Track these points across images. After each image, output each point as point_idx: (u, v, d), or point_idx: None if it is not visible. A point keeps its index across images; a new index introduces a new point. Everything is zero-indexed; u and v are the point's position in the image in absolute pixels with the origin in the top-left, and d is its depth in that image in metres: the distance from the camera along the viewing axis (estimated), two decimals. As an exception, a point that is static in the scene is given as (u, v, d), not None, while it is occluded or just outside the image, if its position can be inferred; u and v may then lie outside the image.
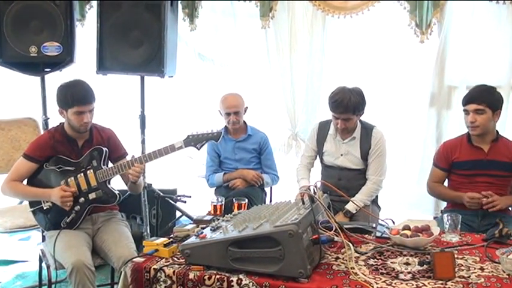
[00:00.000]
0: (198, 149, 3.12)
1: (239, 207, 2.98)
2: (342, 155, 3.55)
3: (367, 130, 3.53)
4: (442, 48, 4.05)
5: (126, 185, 3.30)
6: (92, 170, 3.11)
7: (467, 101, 3.19)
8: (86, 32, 4.63)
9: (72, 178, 3.09)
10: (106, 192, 3.12)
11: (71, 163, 3.12)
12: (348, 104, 3.32)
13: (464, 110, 3.21)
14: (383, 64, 4.41)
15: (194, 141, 3.09)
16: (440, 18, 3.97)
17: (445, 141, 3.52)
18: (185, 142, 3.09)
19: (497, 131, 3.29)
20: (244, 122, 4.17)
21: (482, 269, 2.21)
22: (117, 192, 3.16)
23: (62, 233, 3.01)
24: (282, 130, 4.69)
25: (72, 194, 3.04)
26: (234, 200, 3.06)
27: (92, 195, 3.10)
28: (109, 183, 3.16)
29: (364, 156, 3.51)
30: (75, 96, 3.03)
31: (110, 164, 3.23)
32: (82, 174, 3.10)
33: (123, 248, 2.96)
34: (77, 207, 3.07)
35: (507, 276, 2.12)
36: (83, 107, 3.04)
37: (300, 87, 4.54)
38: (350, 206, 3.39)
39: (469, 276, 2.13)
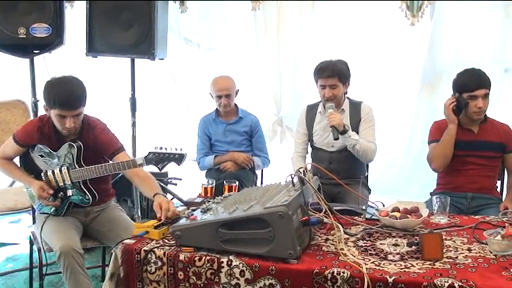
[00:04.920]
0: (160, 170, 2.85)
1: (230, 189, 2.98)
2: None
3: (355, 105, 3.57)
4: (434, 31, 4.04)
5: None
6: (65, 168, 2.92)
7: (476, 86, 3.08)
8: (76, 13, 4.59)
9: (51, 172, 2.95)
10: (79, 193, 2.96)
11: (52, 155, 2.97)
12: (333, 68, 3.41)
13: (471, 96, 3.10)
14: (372, 47, 4.39)
15: (155, 160, 2.77)
16: (431, 0, 3.95)
17: (436, 120, 3.40)
18: (146, 160, 2.77)
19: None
20: (235, 104, 4.16)
21: (469, 249, 2.23)
22: (93, 192, 2.97)
23: (49, 218, 2.97)
24: (268, 115, 4.68)
25: (50, 195, 2.92)
26: (224, 183, 3.06)
27: (69, 192, 2.96)
28: (84, 183, 2.95)
29: (355, 128, 3.49)
30: (58, 97, 2.77)
31: (110, 161, 3.01)
32: (59, 169, 2.93)
33: (123, 230, 2.87)
34: (58, 201, 2.97)
35: (494, 257, 2.15)
36: (65, 111, 2.80)
37: (287, 70, 4.53)
38: (351, 132, 3.39)
39: (456, 257, 2.15)
